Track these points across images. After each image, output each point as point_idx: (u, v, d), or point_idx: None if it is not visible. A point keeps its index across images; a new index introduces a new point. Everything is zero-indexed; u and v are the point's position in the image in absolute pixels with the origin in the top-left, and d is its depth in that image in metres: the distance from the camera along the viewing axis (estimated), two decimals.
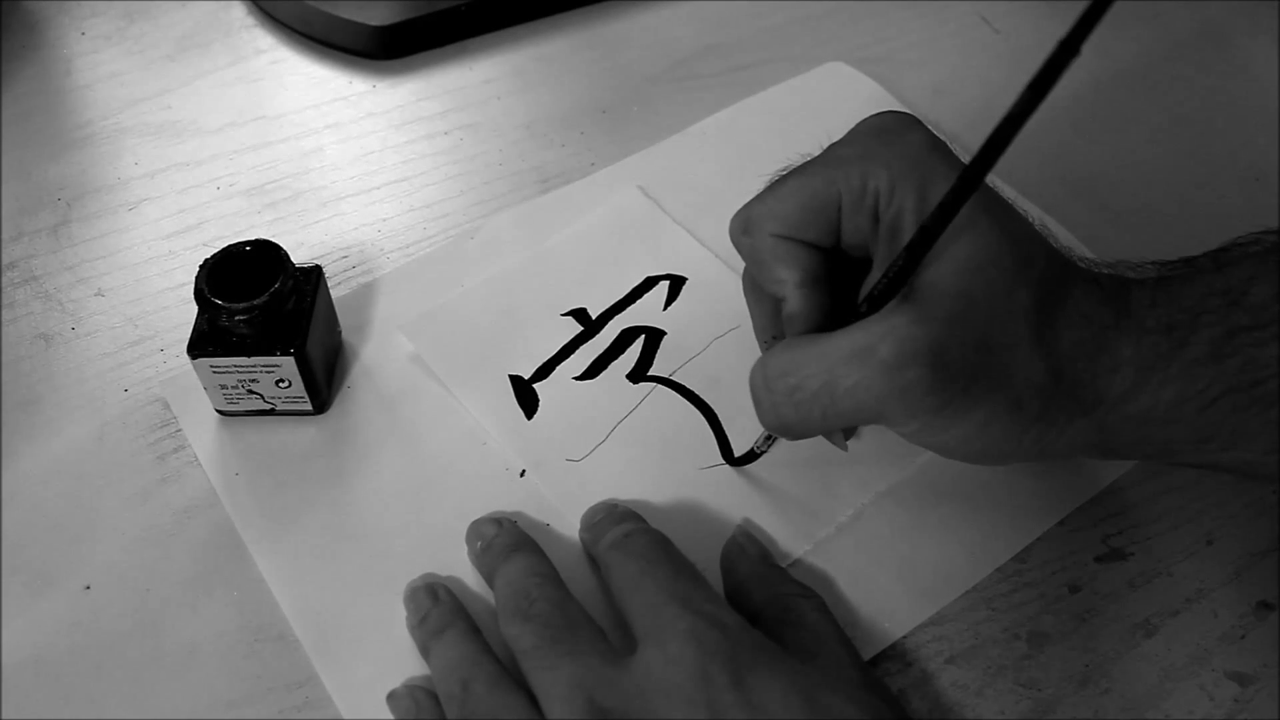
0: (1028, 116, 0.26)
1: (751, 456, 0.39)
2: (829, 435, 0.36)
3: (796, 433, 0.33)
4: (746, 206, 0.35)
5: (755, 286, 0.37)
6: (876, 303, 0.31)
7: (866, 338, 0.30)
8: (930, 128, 0.34)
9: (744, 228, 0.34)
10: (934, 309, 0.30)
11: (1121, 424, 0.31)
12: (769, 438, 0.38)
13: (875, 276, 0.32)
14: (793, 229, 0.34)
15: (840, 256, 0.34)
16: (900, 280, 0.30)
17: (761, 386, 0.33)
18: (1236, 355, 0.30)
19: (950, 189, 0.28)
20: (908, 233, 0.31)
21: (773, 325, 0.37)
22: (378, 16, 0.55)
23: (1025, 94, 0.26)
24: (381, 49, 0.55)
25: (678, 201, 0.48)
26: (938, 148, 0.33)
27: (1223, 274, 0.31)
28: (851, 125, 0.51)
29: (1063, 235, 0.46)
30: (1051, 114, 0.51)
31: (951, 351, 0.30)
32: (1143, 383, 0.31)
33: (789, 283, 0.34)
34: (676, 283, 0.45)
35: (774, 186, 0.34)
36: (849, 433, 0.39)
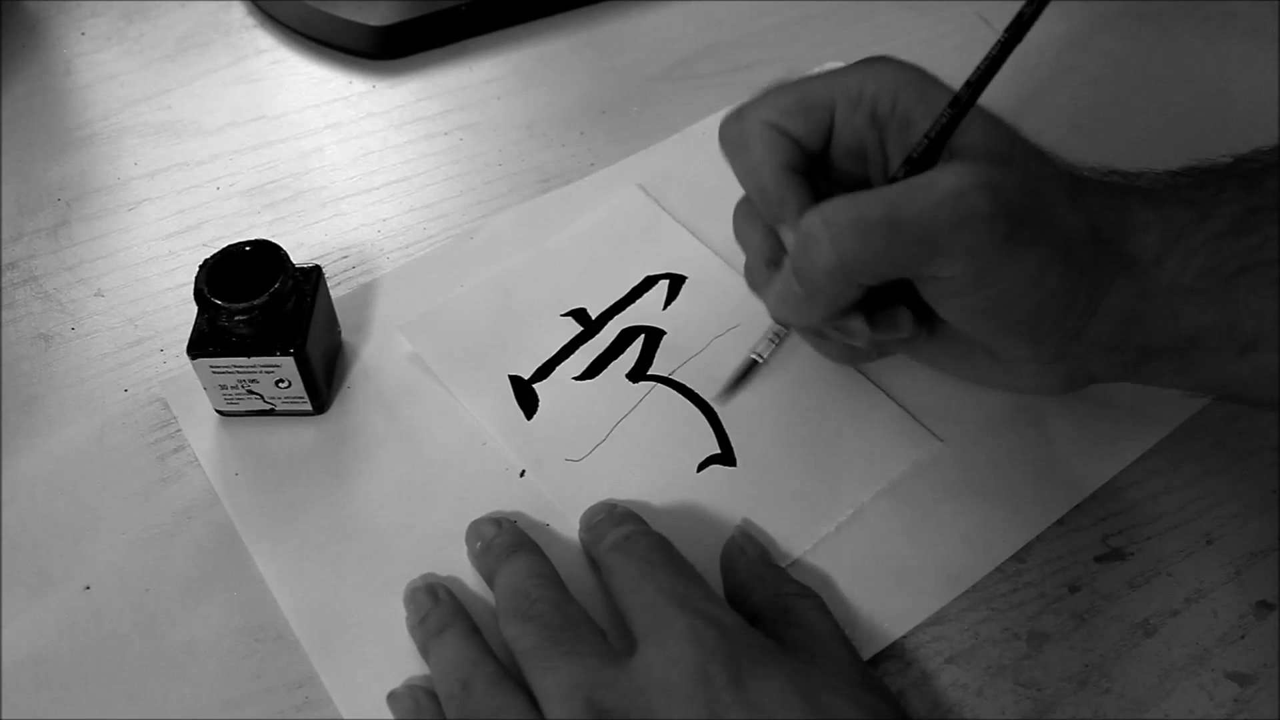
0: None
1: (751, 367, 0.39)
2: (854, 333, 0.35)
3: (851, 274, 0.32)
4: (740, 105, 0.36)
5: (749, 214, 0.37)
6: (917, 165, 0.33)
7: (924, 178, 0.31)
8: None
9: (735, 115, 0.36)
10: (983, 164, 0.31)
11: (1155, 294, 0.32)
12: (775, 338, 0.38)
13: (895, 161, 0.34)
14: (783, 117, 0.35)
15: (819, 169, 0.36)
16: (945, 135, 0.32)
17: (819, 225, 0.32)
18: (1257, 232, 0.31)
19: (998, 43, 0.31)
20: (919, 124, 0.33)
21: (768, 246, 0.36)
22: (378, 16, 0.55)
23: None
24: (381, 49, 0.55)
25: (678, 201, 0.48)
26: (930, 76, 0.34)
27: (1239, 164, 0.34)
28: None
29: None
30: (1054, 115, 0.51)
31: (1008, 189, 0.31)
32: (1170, 248, 0.32)
33: (769, 165, 0.35)
34: (676, 282, 0.45)
35: (771, 87, 0.36)
36: (883, 351, 0.39)
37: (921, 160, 0.33)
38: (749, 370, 0.39)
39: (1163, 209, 0.33)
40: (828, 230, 0.32)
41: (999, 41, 0.31)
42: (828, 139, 0.35)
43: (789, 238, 0.35)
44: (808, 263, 0.32)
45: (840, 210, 0.32)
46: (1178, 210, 0.32)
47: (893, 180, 0.33)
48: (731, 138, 0.36)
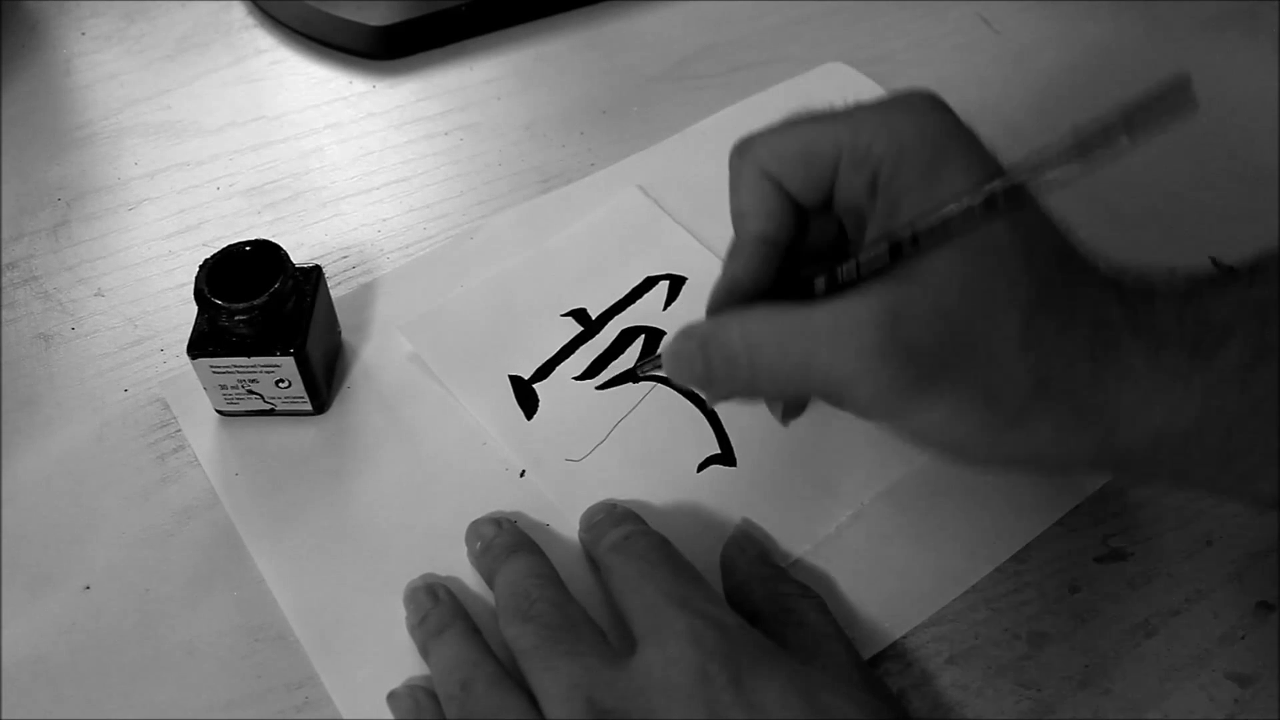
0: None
1: (632, 377, 0.40)
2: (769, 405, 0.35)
3: (755, 393, 0.33)
4: (755, 132, 0.33)
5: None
6: (841, 288, 0.30)
7: (833, 308, 0.29)
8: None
9: (740, 150, 0.33)
10: (914, 292, 0.29)
11: (1133, 440, 0.29)
12: (657, 363, 0.37)
13: (864, 251, 0.30)
14: (782, 168, 0.32)
15: (806, 223, 0.33)
16: (871, 274, 0.29)
17: (731, 339, 0.31)
18: (1266, 376, 0.28)
19: (961, 210, 0.27)
20: (906, 211, 0.30)
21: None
22: (378, 16, 0.55)
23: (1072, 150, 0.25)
24: (381, 49, 0.55)
25: (678, 201, 0.48)
26: (959, 135, 0.31)
27: (1255, 288, 0.29)
28: None
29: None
30: (1053, 115, 0.51)
31: (924, 340, 0.28)
32: (1158, 397, 0.28)
33: (750, 220, 0.33)
34: (676, 282, 0.45)
35: (785, 123, 0.33)
36: (790, 411, 0.37)
37: (848, 283, 0.30)
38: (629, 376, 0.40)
39: (1160, 356, 0.28)
40: (703, 353, 0.32)
41: (965, 209, 0.27)
42: (829, 193, 0.32)
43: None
44: (719, 371, 0.32)
45: (736, 334, 0.31)
46: (1178, 354, 0.28)
47: (823, 279, 0.31)
48: (732, 170, 0.34)
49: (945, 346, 0.28)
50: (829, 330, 0.29)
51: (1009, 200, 0.27)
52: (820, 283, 0.31)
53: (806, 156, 0.32)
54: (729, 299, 0.33)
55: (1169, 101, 0.22)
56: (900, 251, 0.28)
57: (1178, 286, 0.30)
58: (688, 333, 0.33)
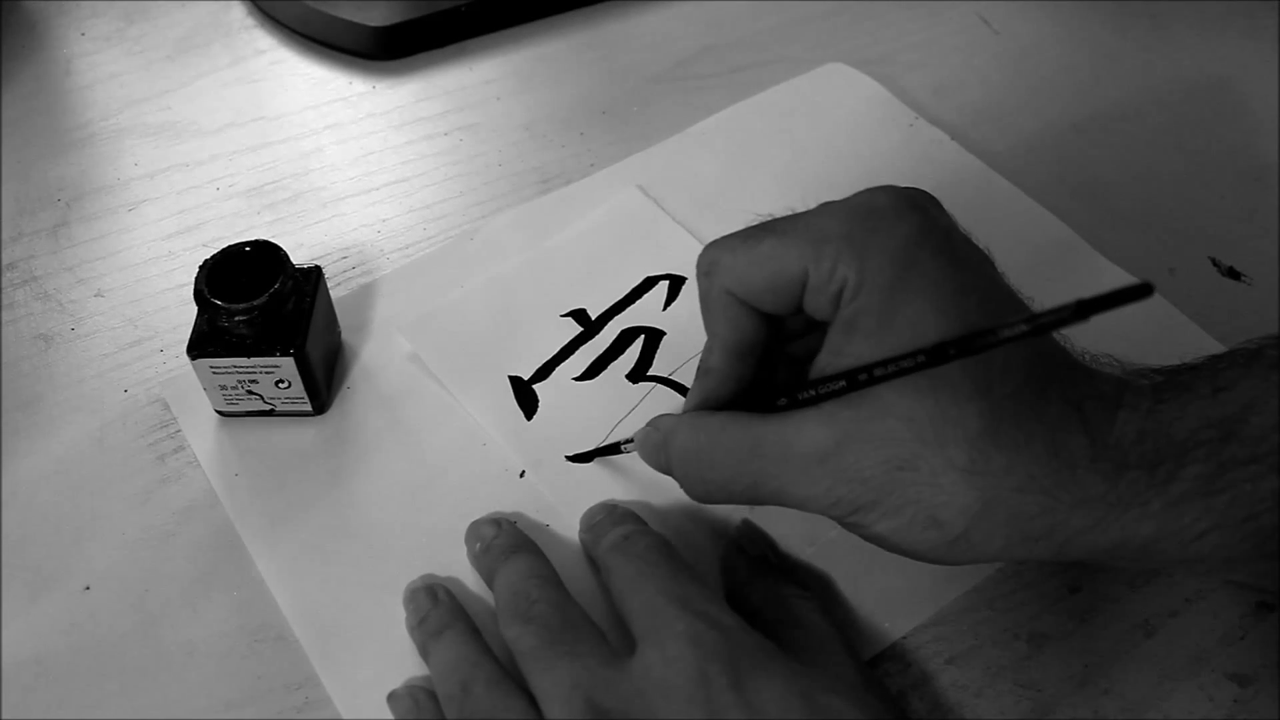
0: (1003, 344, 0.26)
1: (597, 453, 0.40)
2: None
3: (709, 500, 0.35)
4: (717, 246, 0.33)
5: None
6: (804, 404, 0.31)
7: (782, 435, 0.31)
8: (936, 207, 0.32)
9: (707, 269, 0.33)
10: (862, 419, 0.30)
11: (1087, 554, 0.30)
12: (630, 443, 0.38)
13: (820, 384, 0.31)
14: (750, 294, 0.33)
15: (786, 320, 0.34)
16: (831, 397, 0.30)
17: (682, 457, 0.34)
18: (1227, 491, 0.28)
19: (930, 349, 0.27)
20: (861, 332, 0.30)
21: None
22: (378, 17, 0.55)
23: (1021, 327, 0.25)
24: (381, 49, 0.55)
25: (678, 201, 0.48)
26: (926, 243, 0.30)
27: (1219, 401, 0.29)
28: (850, 126, 0.51)
29: (1065, 235, 0.46)
30: (1053, 115, 0.51)
31: (867, 466, 0.29)
32: (1113, 518, 0.29)
33: (719, 338, 0.34)
34: (676, 282, 0.45)
35: (749, 240, 0.32)
36: None
37: (806, 404, 0.31)
38: (613, 449, 0.39)
39: (1119, 480, 0.28)
40: (679, 469, 0.34)
41: (921, 358, 0.28)
42: (798, 304, 0.32)
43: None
44: (677, 471, 0.35)
45: (693, 455, 0.33)
46: (1137, 477, 0.28)
47: (786, 397, 0.32)
48: (701, 289, 0.34)
49: (888, 473, 0.29)
50: (778, 450, 0.31)
51: (959, 350, 0.27)
52: (782, 403, 0.32)
53: (773, 281, 0.32)
54: (703, 404, 0.34)
55: (1127, 296, 0.23)
56: (856, 382, 0.29)
57: (1144, 394, 0.30)
58: (657, 424, 0.35)
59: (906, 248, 0.30)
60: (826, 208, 0.32)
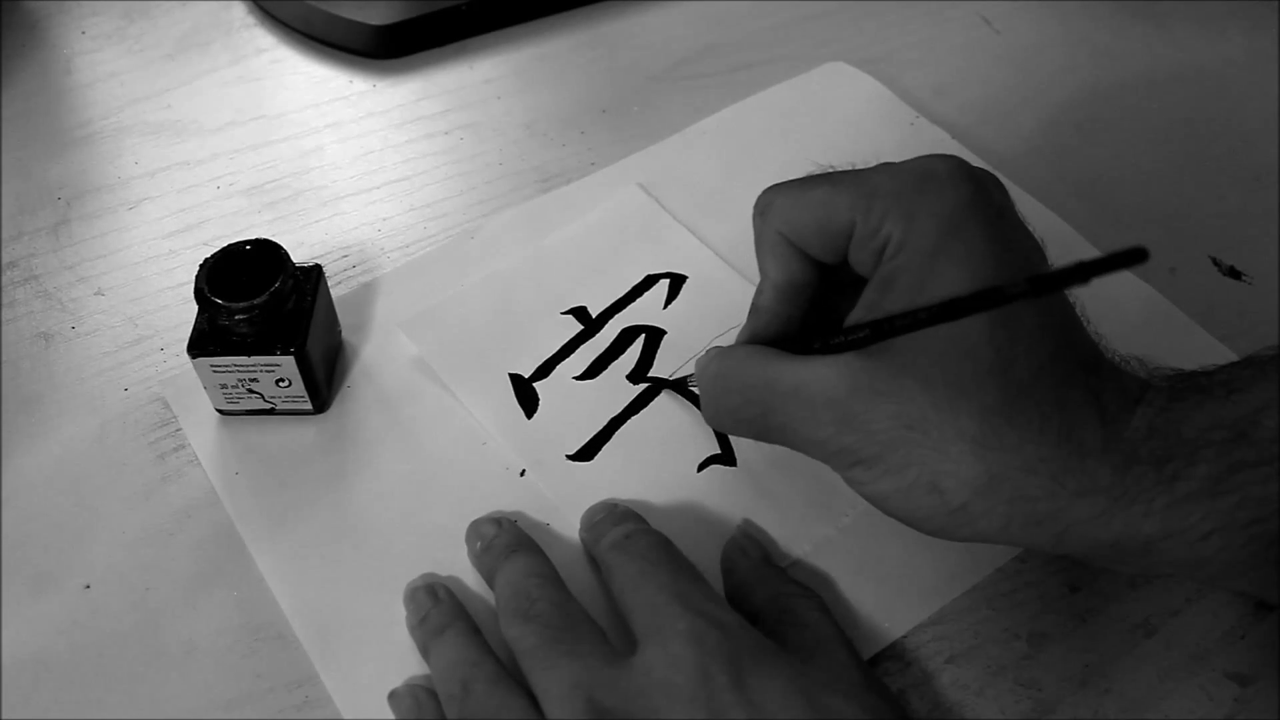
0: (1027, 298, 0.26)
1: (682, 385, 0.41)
2: None
3: (733, 431, 0.36)
4: (774, 190, 0.35)
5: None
6: (831, 349, 0.31)
7: (798, 374, 0.31)
8: (991, 176, 0.32)
9: (762, 210, 0.35)
10: (880, 369, 0.30)
11: (1087, 547, 0.30)
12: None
13: (854, 316, 0.32)
14: (799, 237, 0.34)
15: (838, 271, 0.35)
16: (860, 346, 0.31)
17: (705, 381, 0.35)
18: (1234, 493, 0.28)
19: (940, 304, 0.27)
20: (898, 289, 0.30)
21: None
22: (378, 16, 0.55)
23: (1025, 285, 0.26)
24: (381, 49, 0.55)
25: (678, 200, 0.48)
26: (975, 215, 0.30)
27: (1232, 402, 0.29)
28: (851, 125, 0.51)
29: (1066, 234, 0.46)
30: (1054, 115, 0.51)
31: (874, 417, 0.30)
32: (1117, 511, 0.29)
33: (770, 278, 0.35)
34: (677, 281, 0.45)
35: (805, 186, 0.34)
36: None
37: (838, 349, 0.31)
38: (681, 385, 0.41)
39: (1127, 474, 0.29)
40: (707, 392, 0.35)
41: (940, 306, 0.27)
42: (844, 255, 0.33)
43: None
44: (708, 405, 0.36)
45: (724, 385, 0.34)
46: (1145, 472, 0.28)
47: (819, 342, 0.32)
48: (755, 228, 0.35)
49: (895, 429, 0.29)
50: (791, 388, 0.31)
51: (974, 303, 0.27)
52: (817, 346, 0.32)
53: (821, 226, 0.33)
54: (750, 340, 0.35)
55: (1122, 260, 0.23)
56: (881, 331, 0.30)
57: (1162, 391, 0.30)
58: (711, 353, 0.36)
59: (954, 215, 0.30)
60: (885, 167, 0.33)
